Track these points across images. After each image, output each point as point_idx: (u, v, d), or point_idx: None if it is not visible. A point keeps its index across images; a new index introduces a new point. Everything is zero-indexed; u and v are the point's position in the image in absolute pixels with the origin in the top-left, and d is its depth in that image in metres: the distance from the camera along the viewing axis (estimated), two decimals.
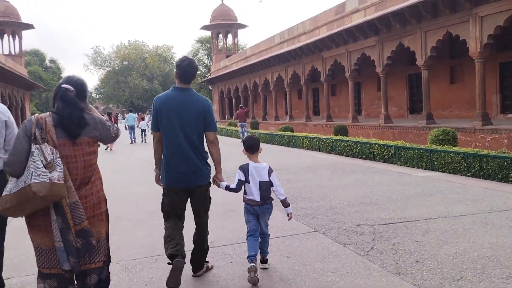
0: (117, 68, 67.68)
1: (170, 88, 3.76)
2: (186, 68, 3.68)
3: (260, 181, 3.83)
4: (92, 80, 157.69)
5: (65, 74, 72.74)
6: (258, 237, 3.87)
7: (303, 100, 26.15)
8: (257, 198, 3.82)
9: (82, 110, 2.71)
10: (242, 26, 44.25)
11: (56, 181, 2.47)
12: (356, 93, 22.98)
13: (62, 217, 2.53)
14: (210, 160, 3.83)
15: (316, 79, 26.16)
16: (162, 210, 3.75)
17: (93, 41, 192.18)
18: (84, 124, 2.68)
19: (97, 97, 73.70)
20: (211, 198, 3.89)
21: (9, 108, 31.41)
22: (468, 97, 16.47)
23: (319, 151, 14.62)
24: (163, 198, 3.74)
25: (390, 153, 10.96)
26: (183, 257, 3.48)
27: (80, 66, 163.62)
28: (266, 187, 3.85)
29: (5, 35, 37.20)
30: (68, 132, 2.63)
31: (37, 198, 2.44)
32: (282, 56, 25.98)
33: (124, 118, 32.42)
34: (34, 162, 2.49)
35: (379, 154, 11.36)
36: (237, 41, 44.86)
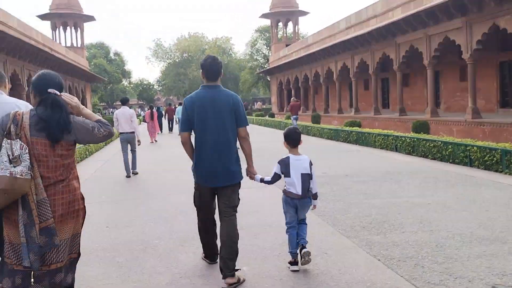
0: (177, 60, 68.26)
1: (199, 88, 3.78)
2: (211, 65, 3.71)
3: (302, 174, 3.84)
4: (154, 72, 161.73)
5: (128, 66, 74.65)
6: (296, 227, 3.90)
7: (370, 92, 23.75)
8: (299, 191, 3.83)
9: (69, 114, 2.73)
10: (303, 13, 41.98)
11: (18, 176, 2.48)
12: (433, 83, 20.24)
13: (28, 213, 2.55)
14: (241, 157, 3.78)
15: (386, 68, 23.61)
16: (194, 204, 3.91)
17: (154, 34, 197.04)
18: (69, 129, 2.69)
19: (159, 89, 74.64)
20: (239, 199, 3.83)
21: None
22: None
23: (396, 151, 12.44)
24: (194, 192, 3.86)
25: (495, 159, 8.64)
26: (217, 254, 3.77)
27: (142, 58, 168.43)
28: (307, 179, 3.87)
29: (68, 28, 37.65)
30: (49, 136, 2.63)
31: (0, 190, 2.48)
32: (348, 42, 23.66)
33: None
34: (1, 156, 2.52)
35: (478, 158, 9.07)
36: (297, 29, 42.70)
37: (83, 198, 2.86)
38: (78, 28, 37.89)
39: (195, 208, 3.94)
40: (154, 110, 21.82)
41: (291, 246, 3.87)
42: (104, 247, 4.76)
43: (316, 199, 3.99)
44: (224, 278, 3.55)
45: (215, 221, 3.97)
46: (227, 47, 70.44)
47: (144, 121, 25.81)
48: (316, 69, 30.32)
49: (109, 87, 64.55)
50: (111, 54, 70.58)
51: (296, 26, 42.17)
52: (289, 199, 3.87)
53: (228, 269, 3.54)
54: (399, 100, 20.52)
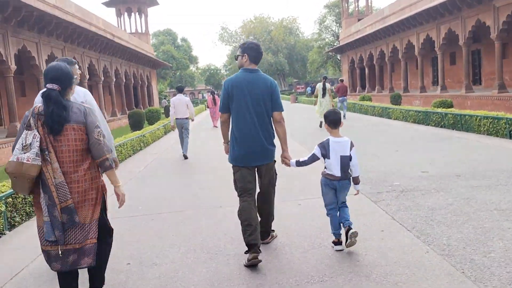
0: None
1: (239, 71, 3.91)
2: (256, 50, 3.87)
3: (341, 156, 3.82)
4: (220, 56, 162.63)
5: (194, 52, 74.65)
6: (337, 208, 3.90)
7: (457, 66, 20.49)
8: (338, 173, 3.83)
9: (65, 107, 2.80)
10: None
11: (24, 161, 2.68)
12: None
13: (49, 195, 2.74)
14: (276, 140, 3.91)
15: (478, 38, 20.18)
16: (235, 188, 3.93)
17: (220, 18, 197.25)
18: (64, 120, 2.77)
19: (226, 73, 74.03)
20: (277, 174, 4.05)
21: (134, 87, 31.21)
22: None
23: (510, 138, 9.75)
24: (234, 176, 3.91)
25: None
26: (259, 246, 3.64)
27: (208, 43, 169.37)
28: (347, 161, 3.83)
29: (132, 14, 37.30)
30: (51, 130, 2.77)
31: (8, 174, 2.74)
32: (433, 10, 20.47)
33: None
34: (18, 144, 2.76)
35: None
36: (370, 2, 39.10)
37: (103, 187, 2.99)
38: (142, 14, 37.41)
39: (237, 193, 3.92)
40: (216, 95, 20.45)
41: (333, 227, 3.90)
42: None
43: (357, 183, 3.97)
44: (262, 239, 3.89)
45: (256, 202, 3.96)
46: (294, 27, 67.89)
47: (207, 107, 24.65)
48: (394, 44, 27.18)
49: (178, 73, 64.77)
50: (178, 40, 70.82)
51: None
52: (328, 180, 3.88)
53: (266, 232, 4.06)
54: (498, 74, 17.21)
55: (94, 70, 21.95)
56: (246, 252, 3.67)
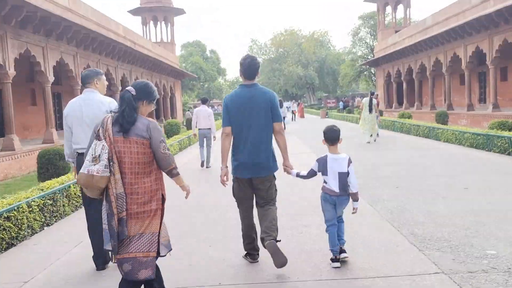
0: (272, 56, 65.66)
1: (237, 86, 4.02)
2: (249, 65, 3.91)
3: (339, 172, 3.84)
4: None
5: (222, 64, 73.74)
6: (336, 224, 3.92)
7: (510, 83, 17.95)
8: (336, 189, 3.84)
9: (135, 109, 2.92)
10: None
11: (94, 173, 2.80)
12: None
13: (109, 204, 2.84)
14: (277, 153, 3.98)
15: None
16: (233, 196, 4.10)
17: (250, 30, 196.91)
18: (132, 120, 2.88)
19: None
20: (277, 190, 4.06)
21: None
22: None
23: None
24: (233, 184, 4.06)
25: None
26: (258, 250, 4.02)
27: (237, 55, 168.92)
28: (344, 178, 3.85)
29: (158, 23, 36.21)
30: (120, 127, 2.87)
31: (80, 185, 2.96)
32: (486, 19, 18.11)
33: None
34: (88, 156, 2.88)
35: None
36: (409, 13, 36.75)
37: (163, 199, 3.02)
38: (169, 23, 36.25)
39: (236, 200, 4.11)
40: None
41: (331, 244, 3.89)
42: None
43: (356, 200, 3.94)
44: (264, 242, 3.82)
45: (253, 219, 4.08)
46: (325, 40, 65.93)
47: None
48: (437, 56, 24.79)
49: (206, 85, 63.85)
50: (207, 52, 70.08)
51: (408, 9, 36.21)
52: (327, 196, 3.90)
53: (270, 236, 3.76)
54: None
55: (111, 79, 20.47)
56: (244, 256, 4.07)
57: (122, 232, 2.82)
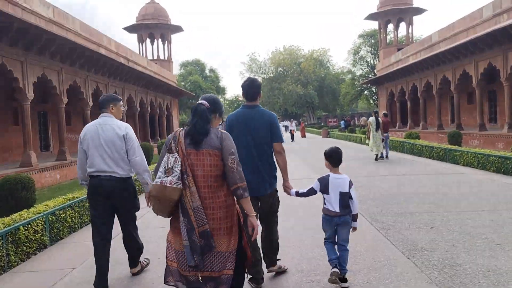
0: (271, 75, 64.93)
1: (240, 107, 4.15)
2: (248, 88, 4.07)
3: (340, 192, 3.86)
4: None
5: (222, 83, 72.99)
6: (334, 243, 3.90)
7: None
8: (337, 209, 3.84)
9: (208, 121, 2.95)
10: (419, 11, 35.11)
11: (167, 185, 2.79)
12: None
13: (188, 219, 2.79)
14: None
15: None
16: None
17: (249, 48, 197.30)
18: (205, 131, 2.90)
19: None
20: (279, 202, 4.16)
21: (151, 116, 28.54)
22: None
23: None
24: None
25: None
26: (261, 277, 3.94)
27: (236, 73, 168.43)
28: (346, 198, 3.87)
29: (155, 40, 35.24)
30: (192, 139, 2.89)
31: (152, 197, 2.88)
32: (501, 33, 17.01)
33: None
34: (161, 168, 2.89)
35: None
36: (411, 30, 35.90)
37: (239, 214, 3.02)
38: (166, 41, 35.28)
39: None
40: None
41: (329, 254, 3.89)
42: None
43: (355, 220, 3.95)
44: (267, 267, 4.11)
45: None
46: (325, 59, 65.28)
47: None
48: (444, 74, 23.67)
49: None
50: (207, 71, 69.38)
51: (410, 26, 35.35)
52: (328, 217, 3.90)
53: (270, 260, 4.10)
54: None
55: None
56: (249, 281, 3.91)
57: (209, 245, 2.78)
